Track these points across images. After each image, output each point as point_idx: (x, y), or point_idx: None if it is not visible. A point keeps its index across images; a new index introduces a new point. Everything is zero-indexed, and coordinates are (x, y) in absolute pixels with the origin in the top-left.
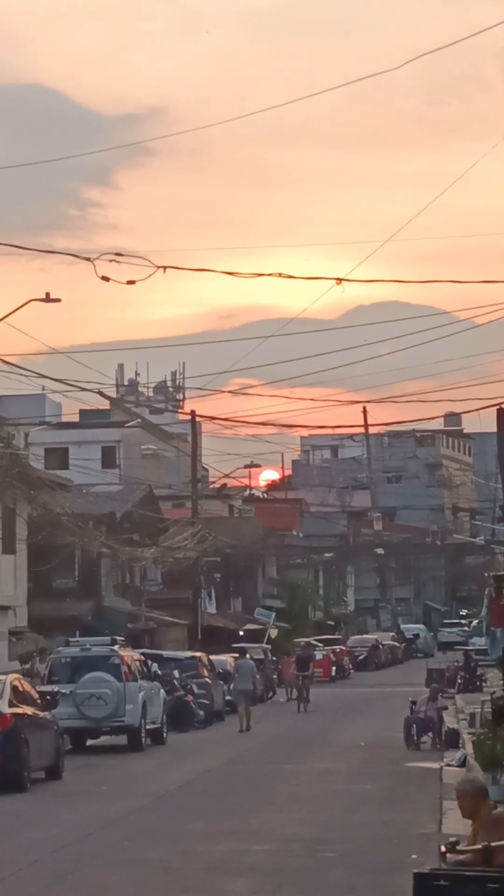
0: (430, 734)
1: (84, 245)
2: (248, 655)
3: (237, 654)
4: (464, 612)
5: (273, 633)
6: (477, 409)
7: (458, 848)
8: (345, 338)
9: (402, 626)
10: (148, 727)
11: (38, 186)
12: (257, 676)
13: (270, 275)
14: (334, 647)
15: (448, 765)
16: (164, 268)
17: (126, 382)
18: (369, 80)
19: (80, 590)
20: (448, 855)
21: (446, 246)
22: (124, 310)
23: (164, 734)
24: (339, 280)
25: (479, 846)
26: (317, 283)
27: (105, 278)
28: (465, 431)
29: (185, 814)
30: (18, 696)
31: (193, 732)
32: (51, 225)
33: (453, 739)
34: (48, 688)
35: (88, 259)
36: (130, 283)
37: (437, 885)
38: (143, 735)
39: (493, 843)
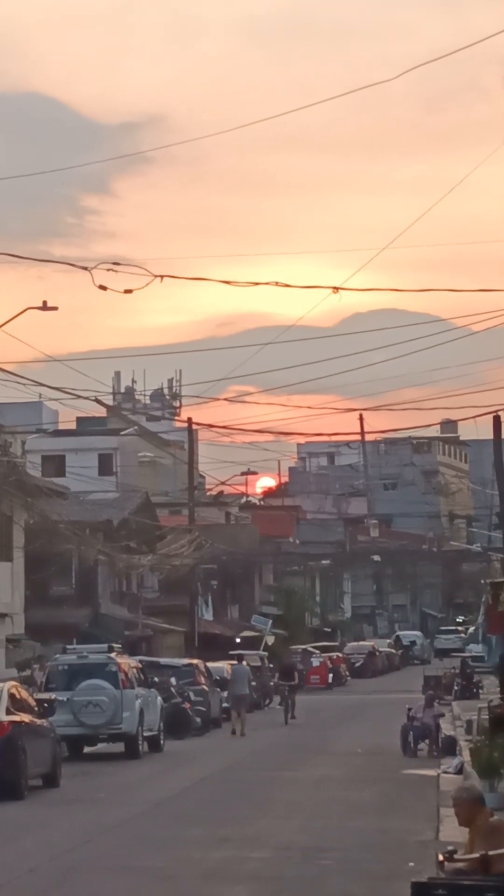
0: (427, 741)
1: (82, 252)
2: (244, 661)
3: (234, 661)
4: (460, 618)
5: (270, 640)
6: (473, 417)
7: (456, 856)
8: (341, 345)
9: (399, 632)
10: (145, 734)
11: (37, 194)
12: (253, 683)
13: (267, 284)
14: (331, 654)
15: (445, 772)
16: (162, 276)
17: (123, 390)
18: (367, 87)
19: (77, 597)
20: (446, 864)
21: (443, 253)
22: (121, 317)
23: (162, 741)
24: (336, 289)
25: (477, 855)
26: (314, 291)
27: (102, 287)
28: (461, 438)
29: (182, 821)
30: (16, 704)
31: (190, 739)
32: (49, 232)
33: (450, 747)
34: (45, 695)
35: (86, 268)
36: (128, 291)
37: (434, 895)
38: (140, 742)
39: (491, 852)
